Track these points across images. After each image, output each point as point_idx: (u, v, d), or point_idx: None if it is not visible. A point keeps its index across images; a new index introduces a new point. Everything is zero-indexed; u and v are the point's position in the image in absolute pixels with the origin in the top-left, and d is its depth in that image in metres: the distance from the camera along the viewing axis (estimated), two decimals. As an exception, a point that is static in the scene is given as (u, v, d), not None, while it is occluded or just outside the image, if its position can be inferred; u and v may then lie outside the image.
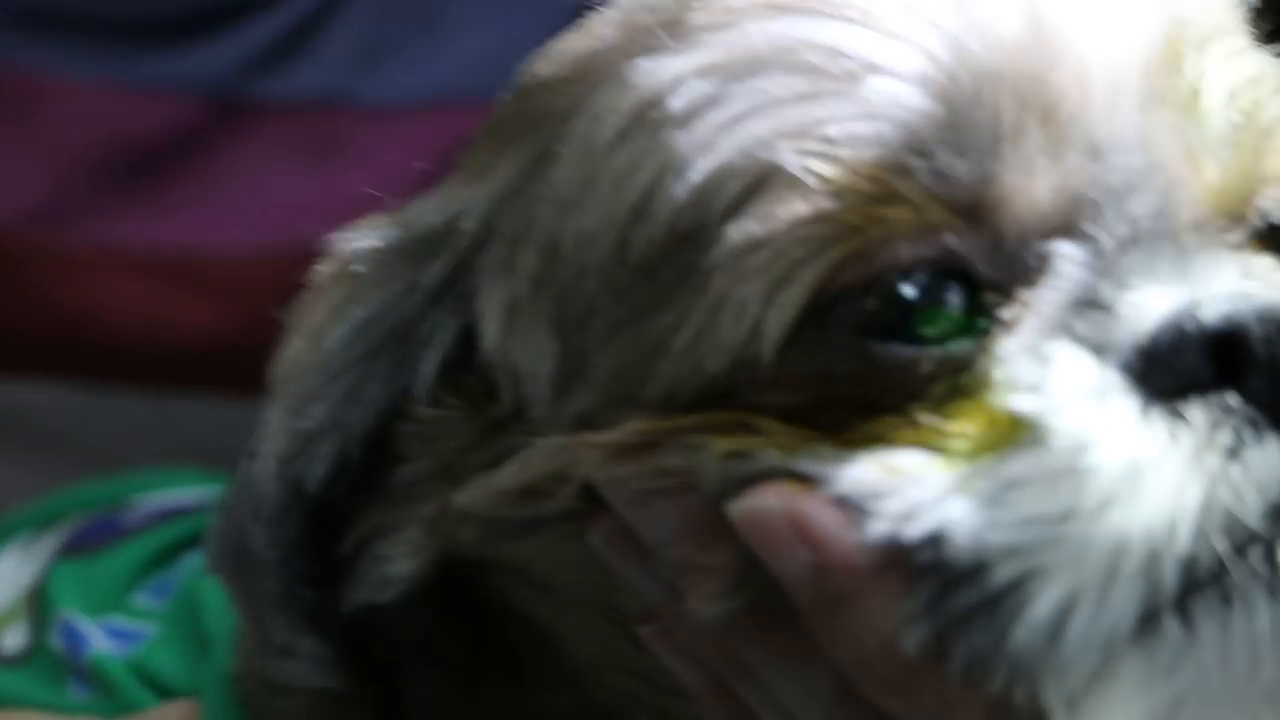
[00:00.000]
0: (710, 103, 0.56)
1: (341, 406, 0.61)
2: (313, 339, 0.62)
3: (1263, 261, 0.59)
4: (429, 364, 0.61)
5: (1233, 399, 0.54)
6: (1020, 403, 0.53)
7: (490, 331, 0.60)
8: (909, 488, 0.53)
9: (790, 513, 0.53)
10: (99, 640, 0.79)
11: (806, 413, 0.55)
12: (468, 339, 0.61)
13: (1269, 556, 0.53)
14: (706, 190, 0.55)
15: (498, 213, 0.60)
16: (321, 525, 0.63)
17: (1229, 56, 0.60)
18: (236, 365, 1.00)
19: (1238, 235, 0.60)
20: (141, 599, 0.82)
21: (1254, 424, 0.54)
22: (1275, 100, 0.61)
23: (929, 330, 0.55)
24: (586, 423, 0.57)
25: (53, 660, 0.79)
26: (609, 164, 0.57)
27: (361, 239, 0.63)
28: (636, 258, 0.56)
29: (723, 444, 0.54)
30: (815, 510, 0.53)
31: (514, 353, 0.59)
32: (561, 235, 0.58)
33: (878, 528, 0.53)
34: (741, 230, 0.54)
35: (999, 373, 0.54)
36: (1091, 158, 0.56)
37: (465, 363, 0.61)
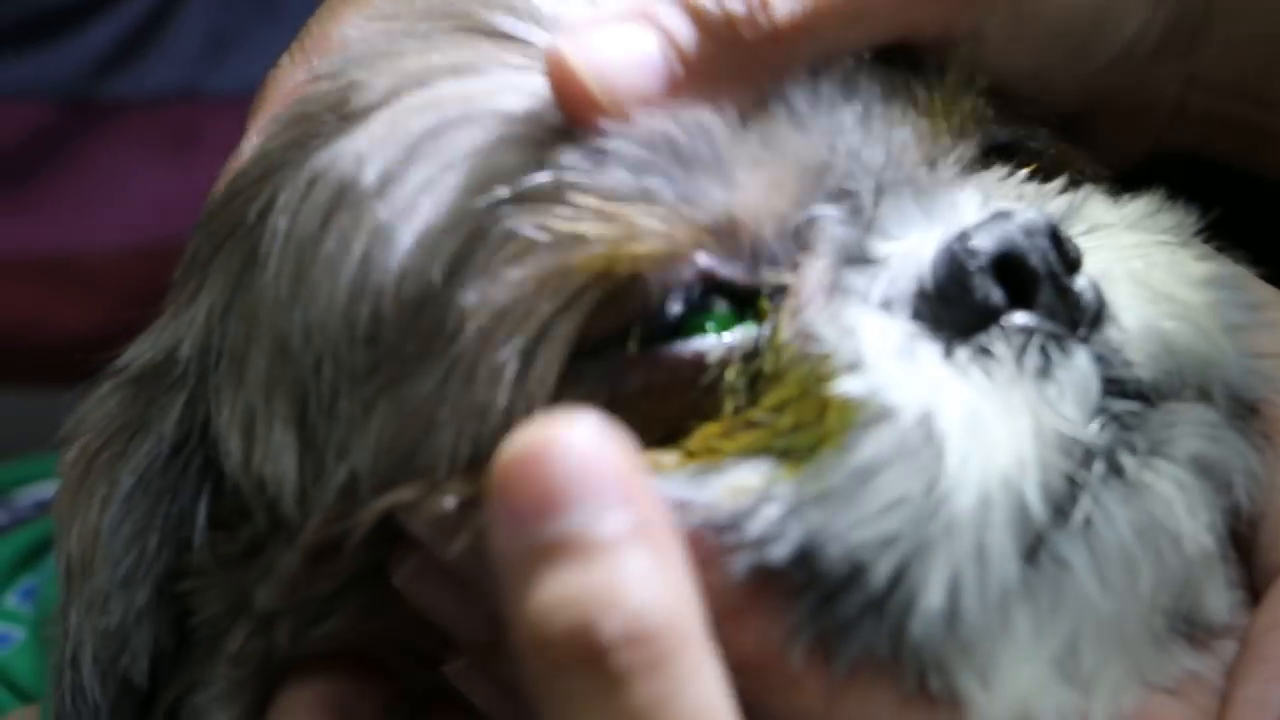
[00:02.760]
0: (402, 168, 0.54)
1: (136, 591, 0.59)
2: (87, 534, 0.60)
3: (996, 177, 0.58)
4: (201, 513, 0.59)
5: (1025, 318, 0.52)
6: (850, 385, 0.50)
7: (233, 448, 0.57)
8: (763, 508, 0.50)
9: None
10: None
11: None
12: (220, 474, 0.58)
13: (1112, 464, 0.52)
14: (420, 255, 0.53)
15: (216, 332, 0.58)
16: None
17: None
18: (113, 359, 1.02)
19: (964, 157, 0.58)
20: (12, 600, 0.82)
21: (1055, 337, 0.52)
22: None
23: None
24: (351, 503, 0.54)
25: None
26: (318, 251, 0.55)
27: (95, 408, 0.61)
28: (368, 334, 0.53)
29: None
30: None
31: (257, 461, 0.56)
32: (288, 331, 0.55)
33: (743, 559, 0.50)
34: (478, 296, 0.52)
35: (805, 348, 0.52)
36: (800, 131, 0.54)
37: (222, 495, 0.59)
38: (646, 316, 0.52)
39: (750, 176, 0.54)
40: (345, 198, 0.54)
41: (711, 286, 0.53)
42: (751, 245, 0.54)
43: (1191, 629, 0.54)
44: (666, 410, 0.52)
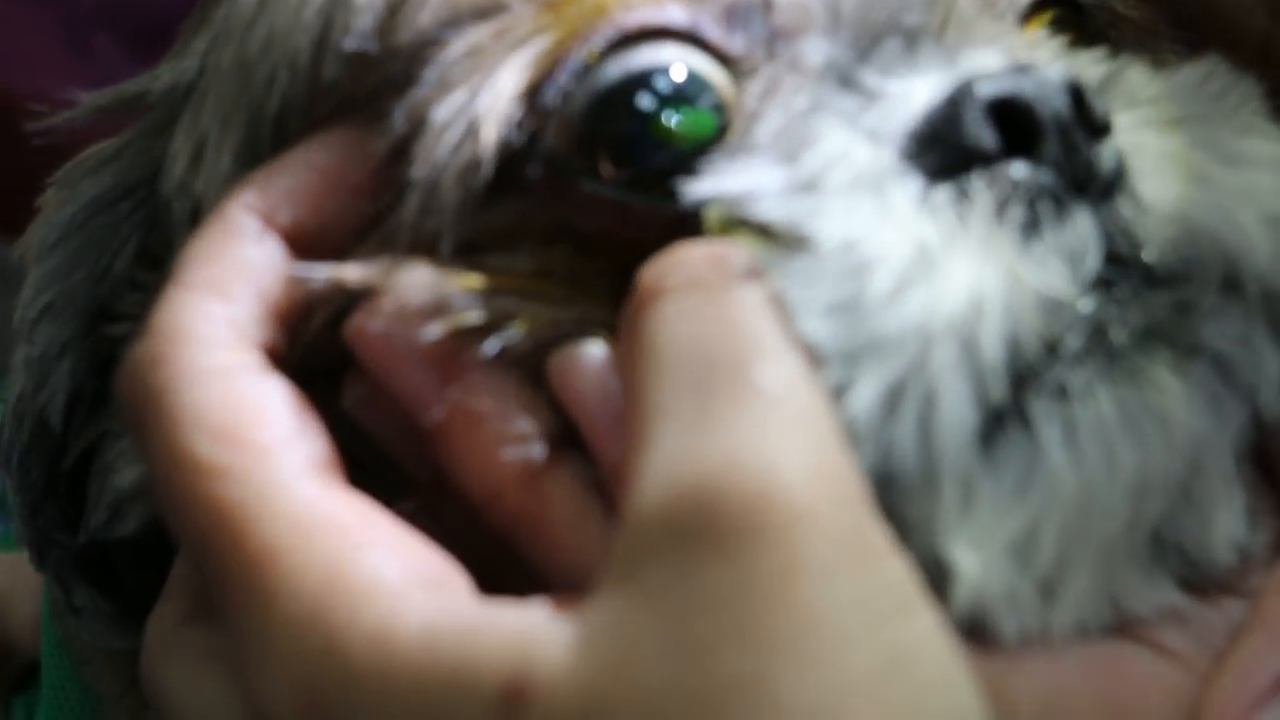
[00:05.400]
0: None
1: (62, 322, 0.56)
2: (36, 273, 0.57)
3: (1029, 38, 0.52)
4: (131, 246, 0.56)
5: (1022, 169, 0.46)
6: (770, 210, 0.45)
7: (175, 173, 0.53)
8: None
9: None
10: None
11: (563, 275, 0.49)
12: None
13: (1098, 335, 0.45)
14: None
15: (191, 70, 0.55)
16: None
17: None
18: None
19: (1003, 17, 0.52)
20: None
21: (1054, 195, 0.46)
22: None
23: (678, 133, 0.47)
24: None
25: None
26: None
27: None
28: (335, 47, 0.50)
29: (538, 312, 0.48)
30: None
31: (199, 186, 0.52)
32: (250, 47, 0.51)
33: None
34: (446, 44, 0.49)
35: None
36: None
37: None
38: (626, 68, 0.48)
39: None
40: None
41: (682, 37, 0.49)
42: (728, 10, 0.49)
43: (1192, 568, 0.47)
44: (628, 255, 0.47)
